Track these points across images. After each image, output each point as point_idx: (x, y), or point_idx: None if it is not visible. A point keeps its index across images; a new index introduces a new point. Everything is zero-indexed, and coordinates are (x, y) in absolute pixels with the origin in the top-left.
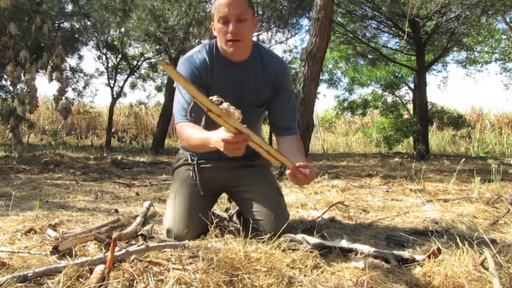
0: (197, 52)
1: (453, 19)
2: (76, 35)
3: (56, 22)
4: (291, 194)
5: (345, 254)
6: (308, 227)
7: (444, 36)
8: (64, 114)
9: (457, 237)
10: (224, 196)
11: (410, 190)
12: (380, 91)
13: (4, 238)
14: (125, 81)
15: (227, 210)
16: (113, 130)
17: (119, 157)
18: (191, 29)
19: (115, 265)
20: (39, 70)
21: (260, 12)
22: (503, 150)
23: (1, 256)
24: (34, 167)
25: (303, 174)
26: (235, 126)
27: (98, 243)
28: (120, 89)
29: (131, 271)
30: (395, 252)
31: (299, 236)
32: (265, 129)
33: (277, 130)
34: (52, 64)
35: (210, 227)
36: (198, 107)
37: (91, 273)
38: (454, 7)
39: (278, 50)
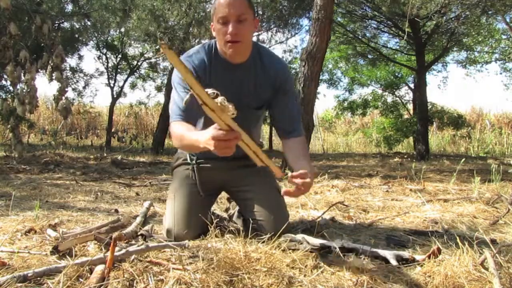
0: (196, 53)
1: (453, 19)
2: (76, 35)
3: (56, 22)
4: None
5: (345, 254)
6: (308, 227)
7: (444, 36)
8: (64, 114)
9: (457, 237)
10: (224, 196)
11: (410, 190)
12: (380, 91)
13: (4, 238)
14: (125, 81)
15: (227, 210)
16: (113, 130)
17: (119, 157)
18: (191, 29)
19: (115, 265)
20: (39, 70)
21: (260, 12)
22: (503, 150)
23: (1, 256)
24: (34, 167)
25: (296, 187)
26: (227, 122)
27: (98, 243)
28: (120, 89)
29: (131, 271)
30: (395, 252)
31: (299, 236)
32: (265, 129)
33: (281, 133)
34: (52, 64)
35: (210, 227)
36: (194, 104)
37: (91, 273)
38: (454, 7)
39: (278, 50)
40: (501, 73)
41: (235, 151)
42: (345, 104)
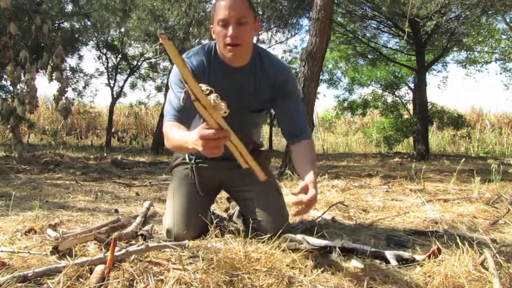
0: (195, 54)
1: (453, 19)
2: (76, 35)
3: (56, 22)
4: (291, 194)
5: (345, 254)
6: (308, 227)
7: (444, 36)
8: (64, 114)
9: (457, 237)
10: (224, 196)
11: (410, 190)
12: (380, 91)
13: (4, 238)
14: (125, 81)
15: (226, 210)
16: (113, 130)
17: (119, 157)
18: (191, 29)
19: (115, 265)
20: (39, 70)
21: (260, 12)
22: (503, 150)
23: (1, 256)
24: (34, 167)
25: (303, 204)
26: (217, 120)
27: (98, 243)
28: (120, 89)
29: (131, 271)
30: (395, 252)
31: (299, 236)
32: (265, 129)
33: (288, 137)
34: (52, 64)
35: (210, 227)
36: (190, 103)
37: (91, 273)
38: (454, 7)
39: (278, 50)
40: (501, 73)
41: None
42: (345, 104)
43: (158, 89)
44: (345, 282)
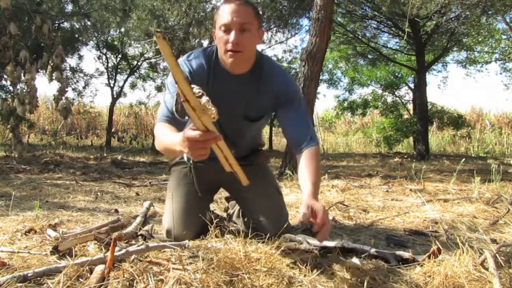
0: (196, 57)
1: (453, 19)
2: (76, 35)
3: (56, 22)
4: (291, 194)
5: (345, 254)
6: (308, 227)
7: (444, 36)
8: (64, 114)
9: (457, 237)
10: (224, 195)
11: (410, 190)
12: (380, 91)
13: (4, 238)
14: (125, 81)
15: (226, 209)
16: (113, 130)
17: (119, 157)
18: (191, 29)
19: (115, 265)
20: (39, 70)
21: (260, 12)
22: (503, 150)
23: (1, 256)
24: (34, 167)
25: (321, 227)
26: (205, 124)
27: (98, 243)
28: (120, 89)
29: (131, 271)
30: (395, 252)
31: (299, 236)
32: (265, 129)
33: (293, 146)
34: (52, 64)
35: (210, 227)
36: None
37: (91, 273)
38: (454, 7)
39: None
40: (501, 73)
41: (234, 152)
42: (345, 104)
43: (158, 89)
44: (345, 282)
